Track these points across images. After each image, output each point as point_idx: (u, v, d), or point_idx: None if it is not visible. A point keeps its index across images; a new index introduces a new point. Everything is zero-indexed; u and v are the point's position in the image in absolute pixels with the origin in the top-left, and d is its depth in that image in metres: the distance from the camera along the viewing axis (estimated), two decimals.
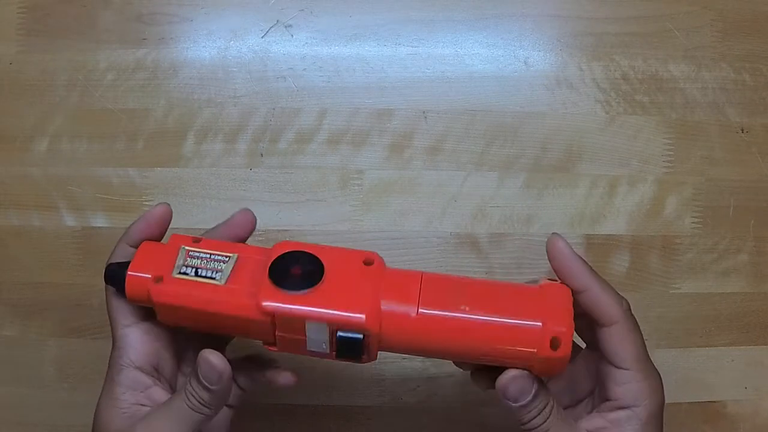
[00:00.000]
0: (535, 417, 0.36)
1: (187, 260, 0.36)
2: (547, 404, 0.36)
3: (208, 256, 0.37)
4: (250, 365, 0.42)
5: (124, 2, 0.52)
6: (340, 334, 0.34)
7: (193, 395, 0.36)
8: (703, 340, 0.53)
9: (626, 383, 0.37)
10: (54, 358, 0.53)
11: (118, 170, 0.52)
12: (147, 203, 0.52)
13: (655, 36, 0.53)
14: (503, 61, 0.52)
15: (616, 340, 0.37)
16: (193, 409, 0.36)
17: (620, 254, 0.53)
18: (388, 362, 0.53)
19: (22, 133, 0.52)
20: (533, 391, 0.35)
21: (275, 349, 0.37)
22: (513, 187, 0.53)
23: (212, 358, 0.35)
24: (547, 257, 0.38)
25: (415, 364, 0.53)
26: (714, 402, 0.54)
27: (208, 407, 0.36)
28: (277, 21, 0.52)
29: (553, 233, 0.38)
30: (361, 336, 0.34)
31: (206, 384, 0.35)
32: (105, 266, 0.38)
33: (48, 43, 0.52)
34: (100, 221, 0.52)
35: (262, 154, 0.52)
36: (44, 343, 0.53)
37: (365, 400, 0.53)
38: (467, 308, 0.35)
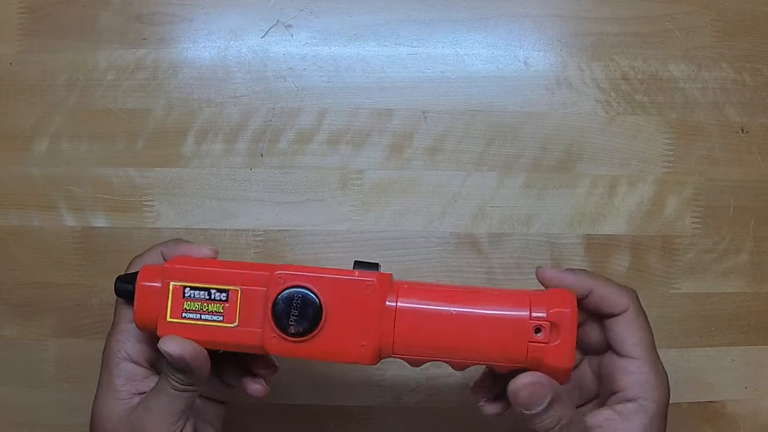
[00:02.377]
0: (551, 428, 0.34)
1: (185, 304, 0.37)
2: (564, 416, 0.34)
3: (207, 295, 0.37)
4: (233, 363, 0.42)
5: (124, 2, 0.52)
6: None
7: (171, 378, 0.37)
8: (703, 340, 0.53)
9: (634, 373, 0.37)
10: (54, 358, 0.53)
11: (118, 170, 0.52)
12: (147, 203, 0.52)
13: (655, 36, 0.53)
14: (503, 61, 0.52)
15: (624, 327, 0.37)
16: (177, 390, 0.37)
17: (620, 254, 0.53)
18: (388, 362, 0.53)
19: (22, 133, 0.52)
20: (547, 401, 0.34)
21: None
22: (513, 187, 0.53)
23: (167, 347, 0.36)
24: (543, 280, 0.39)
25: None
26: (714, 402, 0.54)
27: (189, 386, 0.37)
28: (277, 21, 0.52)
29: (537, 267, 0.39)
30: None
31: (177, 367, 0.36)
32: (116, 277, 0.39)
33: (48, 43, 0.52)
34: (100, 221, 0.52)
35: (262, 154, 0.52)
36: (44, 343, 0.53)
37: (365, 400, 0.53)
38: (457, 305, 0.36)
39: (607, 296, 0.37)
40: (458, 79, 0.52)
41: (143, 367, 0.39)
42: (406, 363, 0.38)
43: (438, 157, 0.52)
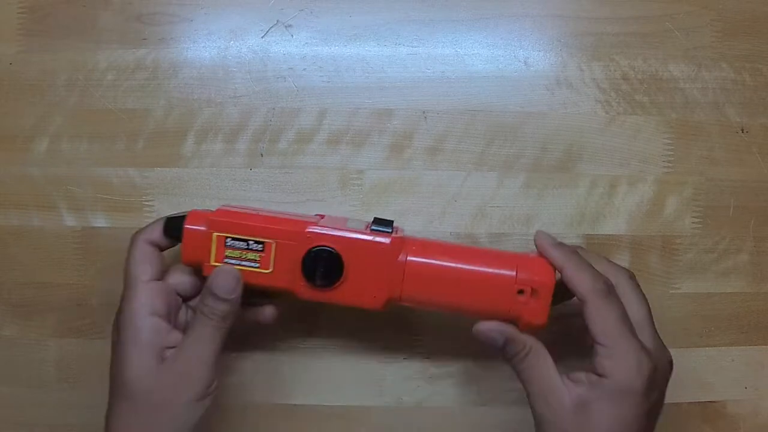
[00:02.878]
0: (511, 357, 0.42)
1: (227, 251, 0.43)
2: (523, 350, 0.42)
3: (246, 246, 0.43)
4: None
5: (124, 2, 0.52)
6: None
7: (212, 312, 0.41)
8: (703, 340, 0.53)
9: (598, 355, 0.40)
10: (54, 358, 0.53)
11: (118, 170, 0.52)
12: (147, 203, 0.52)
13: (655, 36, 0.53)
14: (503, 61, 0.53)
15: (587, 317, 0.41)
16: (214, 327, 0.41)
17: (620, 254, 0.53)
18: (388, 362, 0.53)
19: (22, 133, 0.52)
20: (501, 341, 0.42)
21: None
22: (513, 187, 0.53)
23: (228, 268, 0.42)
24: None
25: (415, 364, 0.53)
26: (714, 402, 0.54)
27: (226, 319, 0.42)
28: (277, 21, 0.52)
29: (537, 230, 0.45)
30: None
31: (223, 296, 0.41)
32: (165, 219, 0.44)
33: (48, 43, 0.52)
34: (100, 221, 0.52)
35: (262, 154, 0.52)
36: (44, 343, 0.53)
37: (365, 400, 0.53)
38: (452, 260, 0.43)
39: (571, 283, 0.41)
40: (458, 79, 0.52)
41: (165, 321, 0.42)
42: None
43: (438, 157, 0.52)
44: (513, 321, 0.43)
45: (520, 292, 0.42)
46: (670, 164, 0.53)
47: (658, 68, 0.53)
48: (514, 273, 0.42)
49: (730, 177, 0.53)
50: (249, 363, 0.53)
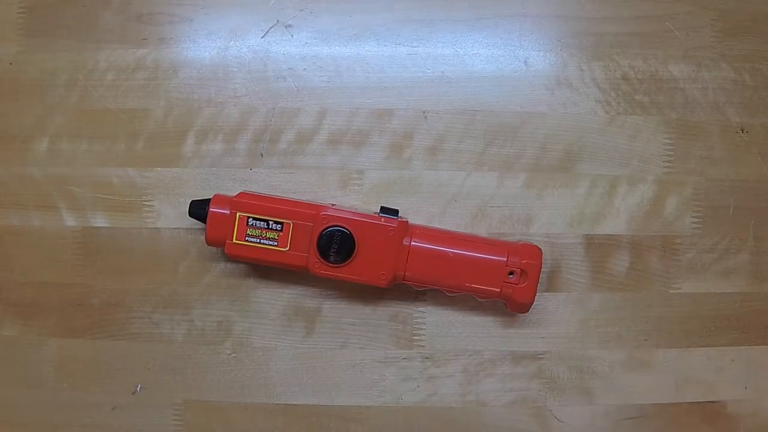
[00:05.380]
0: None
1: (248, 230, 0.47)
2: None
3: (266, 225, 0.47)
4: None
5: (124, 2, 0.52)
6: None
7: None
8: (703, 340, 0.53)
9: None
10: (54, 358, 0.53)
11: (118, 170, 0.52)
12: (147, 203, 0.52)
13: (655, 36, 0.53)
14: (503, 61, 0.53)
15: None
16: None
17: (620, 254, 0.53)
18: (388, 362, 0.53)
19: (22, 133, 0.52)
20: None
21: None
22: (513, 187, 0.53)
23: None
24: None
25: (415, 364, 0.53)
26: (714, 402, 0.54)
27: None
28: (277, 21, 0.52)
29: None
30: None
31: None
32: (189, 203, 0.49)
33: (48, 43, 0.52)
34: (100, 221, 0.52)
35: (262, 154, 0.52)
36: (44, 343, 0.53)
37: (365, 400, 0.53)
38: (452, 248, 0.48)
39: None
40: (458, 79, 0.52)
41: None
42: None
43: (438, 157, 0.52)
44: (504, 300, 0.49)
45: (511, 273, 0.48)
46: (670, 164, 0.53)
47: (658, 68, 0.53)
48: (505, 257, 0.48)
49: (730, 177, 0.53)
50: (249, 363, 0.53)
